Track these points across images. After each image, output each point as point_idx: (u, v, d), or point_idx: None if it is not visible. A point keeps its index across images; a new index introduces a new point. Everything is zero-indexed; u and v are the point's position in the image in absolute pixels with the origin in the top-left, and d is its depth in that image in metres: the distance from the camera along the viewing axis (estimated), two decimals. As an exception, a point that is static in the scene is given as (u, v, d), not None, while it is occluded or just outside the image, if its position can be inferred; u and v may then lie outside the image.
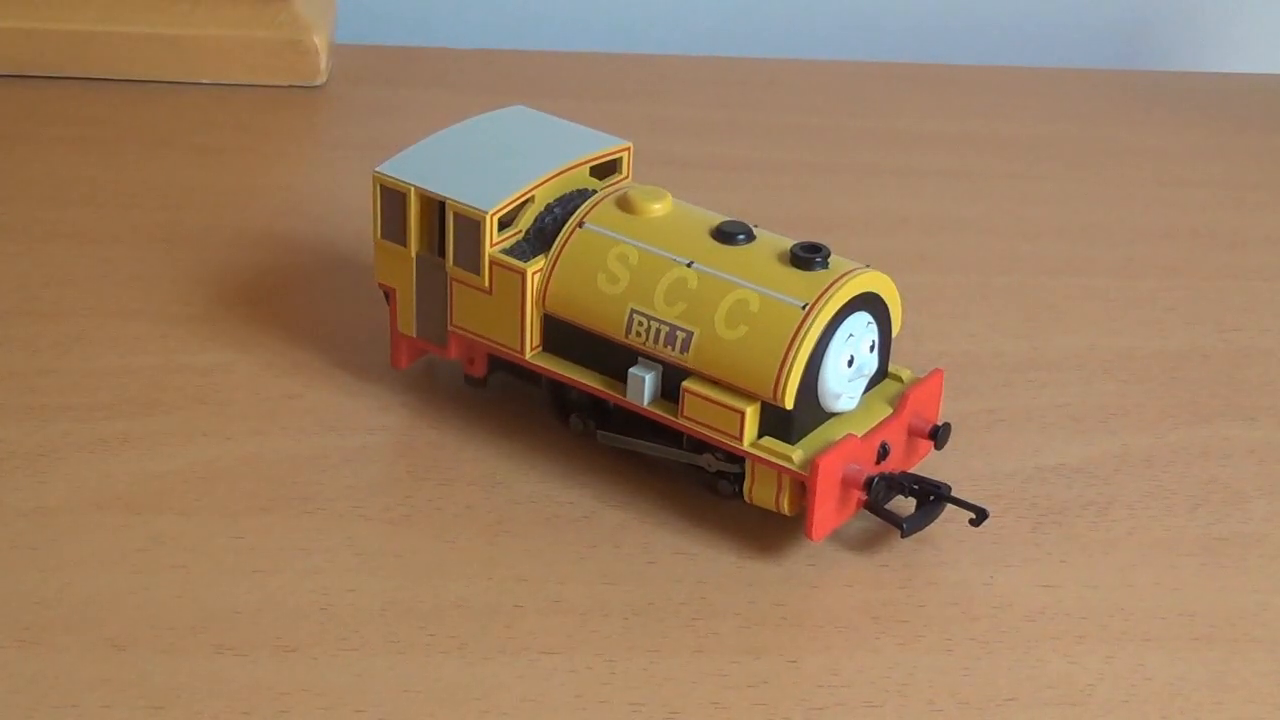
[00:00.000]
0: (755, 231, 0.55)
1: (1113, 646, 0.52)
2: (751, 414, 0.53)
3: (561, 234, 0.56)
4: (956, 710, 0.49)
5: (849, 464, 0.53)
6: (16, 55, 0.82)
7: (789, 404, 0.52)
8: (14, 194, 0.73)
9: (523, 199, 0.57)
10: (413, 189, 0.57)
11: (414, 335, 0.59)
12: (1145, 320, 0.69)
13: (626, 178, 0.60)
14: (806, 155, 0.80)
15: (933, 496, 0.55)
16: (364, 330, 0.64)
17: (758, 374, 0.53)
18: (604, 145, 0.59)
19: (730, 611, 0.52)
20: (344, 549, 0.54)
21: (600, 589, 0.53)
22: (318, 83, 0.83)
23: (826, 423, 0.54)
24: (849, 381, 0.54)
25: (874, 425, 0.54)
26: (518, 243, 0.57)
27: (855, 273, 0.54)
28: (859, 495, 0.54)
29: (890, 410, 0.55)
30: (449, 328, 0.58)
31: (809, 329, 0.52)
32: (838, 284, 0.53)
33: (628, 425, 0.57)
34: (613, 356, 0.56)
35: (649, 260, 0.55)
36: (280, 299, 0.66)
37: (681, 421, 0.54)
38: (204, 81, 0.83)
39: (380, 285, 0.60)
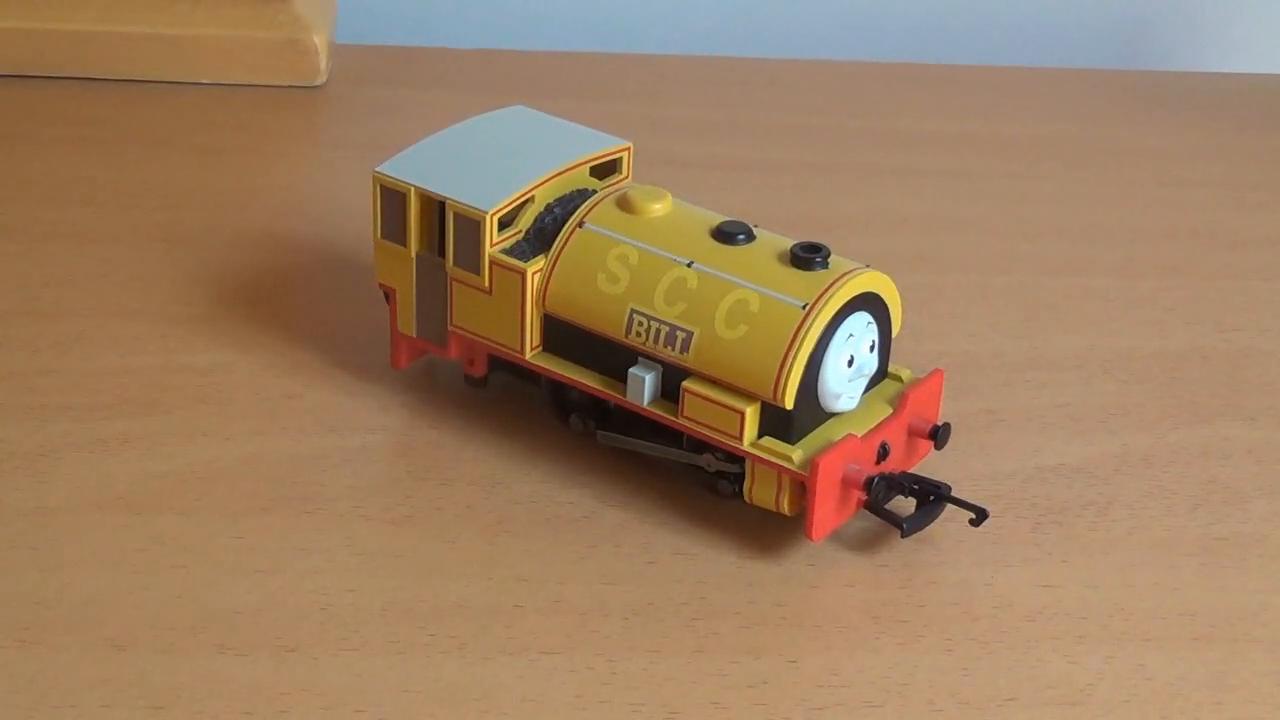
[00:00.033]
0: (755, 231, 0.55)
1: (1113, 646, 0.52)
2: (751, 414, 0.53)
3: (561, 234, 0.56)
4: (956, 710, 0.49)
5: (849, 464, 0.53)
6: (16, 55, 0.82)
7: (789, 404, 0.52)
8: (14, 194, 0.73)
9: (523, 199, 0.57)
10: (413, 189, 0.57)
11: (414, 335, 0.59)
12: (1145, 320, 0.69)
13: (626, 178, 0.60)
14: (806, 155, 0.80)
15: (933, 496, 0.55)
16: (364, 330, 0.64)
17: (758, 374, 0.53)
18: (604, 145, 0.59)
19: (730, 611, 0.52)
20: (344, 549, 0.54)
21: (600, 589, 0.53)
22: (318, 83, 0.83)
23: (826, 423, 0.54)
24: (849, 381, 0.54)
25: (874, 425, 0.54)
26: (518, 243, 0.57)
27: (855, 273, 0.54)
28: (859, 495, 0.54)
29: (890, 410, 0.55)
30: (449, 328, 0.58)
31: (809, 329, 0.52)
32: (838, 284, 0.53)
33: (628, 425, 0.57)
34: (613, 356, 0.56)
35: (649, 260, 0.55)
36: (280, 299, 0.66)
37: (681, 421, 0.54)
38: (204, 81, 0.83)
39: (380, 285, 0.59)
